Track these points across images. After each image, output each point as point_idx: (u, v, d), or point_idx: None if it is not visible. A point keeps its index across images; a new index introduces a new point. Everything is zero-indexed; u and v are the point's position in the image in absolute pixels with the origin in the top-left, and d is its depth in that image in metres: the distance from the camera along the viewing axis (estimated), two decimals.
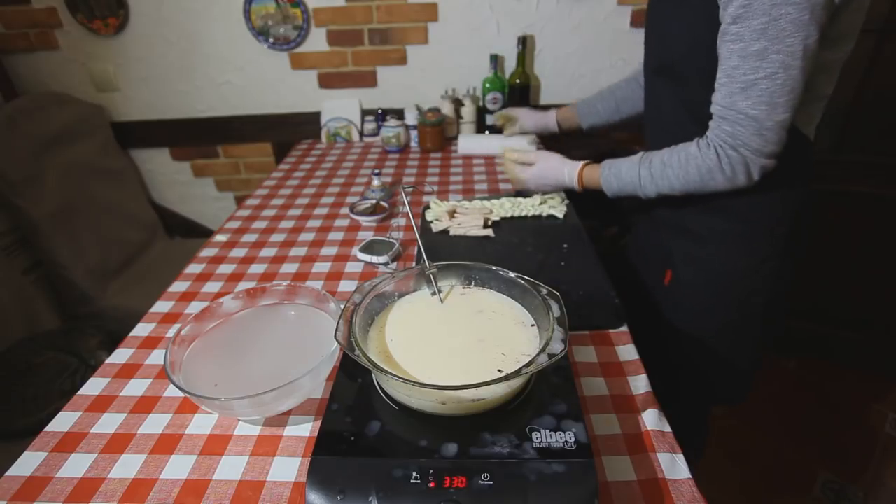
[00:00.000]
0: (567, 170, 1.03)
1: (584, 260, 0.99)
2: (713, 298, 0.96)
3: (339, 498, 0.48)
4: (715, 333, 0.99)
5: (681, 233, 0.97)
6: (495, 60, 1.73)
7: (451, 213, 1.14)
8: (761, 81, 0.69)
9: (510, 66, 1.78)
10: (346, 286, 0.98)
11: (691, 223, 0.94)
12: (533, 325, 0.63)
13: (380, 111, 1.85)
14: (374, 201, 1.26)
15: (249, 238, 1.18)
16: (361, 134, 1.88)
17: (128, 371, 0.79)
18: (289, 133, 1.93)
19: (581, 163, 1.01)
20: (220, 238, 1.19)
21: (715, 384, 1.06)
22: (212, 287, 1.00)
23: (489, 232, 1.10)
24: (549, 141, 1.60)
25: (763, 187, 0.81)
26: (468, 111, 1.78)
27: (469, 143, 1.66)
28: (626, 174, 0.90)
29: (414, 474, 0.49)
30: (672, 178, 0.83)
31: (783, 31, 0.65)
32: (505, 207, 1.18)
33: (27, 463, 0.64)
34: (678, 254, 0.98)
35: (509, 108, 1.54)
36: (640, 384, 0.71)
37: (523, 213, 1.17)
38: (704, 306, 0.97)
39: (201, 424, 0.68)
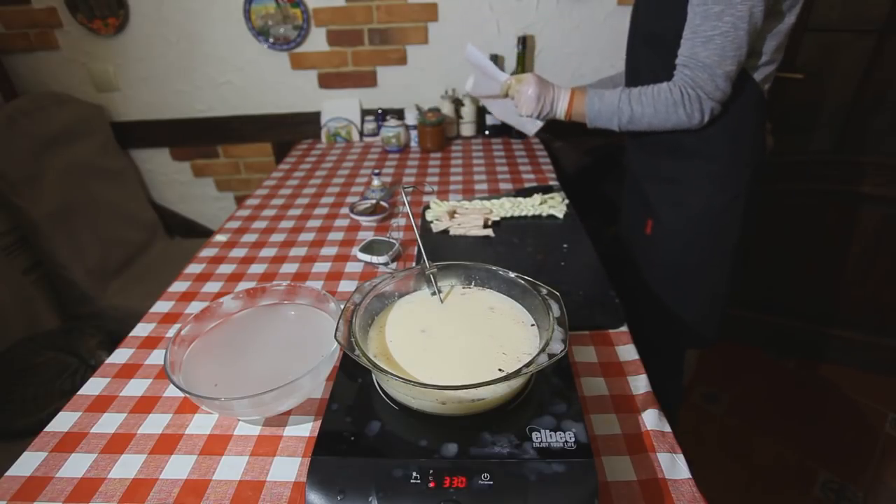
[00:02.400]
0: (560, 100, 1.08)
1: (584, 260, 0.99)
2: (692, 238, 1.09)
3: (339, 498, 0.48)
4: (692, 274, 1.12)
5: (659, 181, 1.11)
6: (495, 60, 1.73)
7: (451, 214, 1.14)
8: (716, 38, 0.86)
9: (510, 66, 1.78)
10: (346, 286, 0.98)
11: (666, 170, 1.08)
12: (533, 325, 0.63)
13: (380, 111, 1.85)
14: (374, 201, 1.26)
15: (249, 238, 1.18)
16: (361, 134, 1.88)
17: (128, 371, 0.79)
18: (289, 133, 1.93)
19: (568, 92, 1.09)
20: (220, 238, 1.19)
21: (690, 325, 1.16)
22: (212, 287, 1.00)
23: (489, 232, 1.10)
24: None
25: (724, 131, 0.99)
26: (468, 111, 1.78)
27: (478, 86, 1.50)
28: (608, 98, 1.02)
29: (414, 474, 0.49)
30: (645, 106, 0.97)
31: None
32: (505, 207, 1.18)
33: (27, 463, 0.64)
34: (658, 202, 1.12)
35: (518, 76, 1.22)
36: (640, 384, 0.71)
37: (523, 213, 1.17)
38: (683, 248, 1.10)
39: (201, 424, 0.68)
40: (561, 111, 1.08)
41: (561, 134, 1.89)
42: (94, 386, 0.76)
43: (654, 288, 1.17)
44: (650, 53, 1.04)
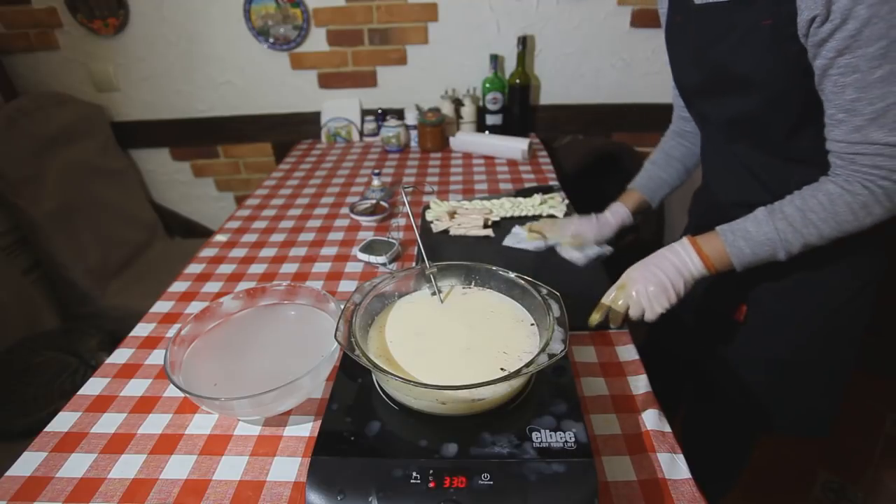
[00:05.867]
0: (681, 254, 0.77)
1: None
2: (806, 332, 0.85)
3: (339, 498, 0.48)
4: (800, 370, 0.88)
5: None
6: (495, 60, 1.73)
7: (451, 214, 1.14)
8: (894, 107, 0.61)
9: (510, 66, 1.78)
10: (346, 286, 0.98)
11: None
12: (533, 325, 0.63)
13: (380, 111, 1.85)
14: (374, 201, 1.26)
15: (249, 238, 1.18)
16: (361, 134, 1.88)
17: (128, 371, 0.79)
18: (289, 133, 1.93)
19: (686, 239, 0.78)
20: (220, 238, 1.19)
21: (788, 416, 0.94)
22: (212, 287, 1.00)
23: (489, 232, 1.10)
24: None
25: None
26: (468, 111, 1.78)
27: (464, 140, 1.68)
28: (757, 234, 0.72)
29: (414, 474, 0.49)
30: (820, 224, 0.69)
31: None
32: (505, 207, 1.18)
33: (27, 463, 0.64)
34: (758, 286, 0.86)
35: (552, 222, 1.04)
36: (640, 384, 0.72)
37: (523, 213, 1.17)
38: (793, 342, 0.86)
39: (201, 424, 0.68)
40: (698, 271, 0.76)
41: (561, 133, 1.89)
42: (94, 386, 0.76)
43: (743, 376, 0.93)
44: (744, 150, 0.81)
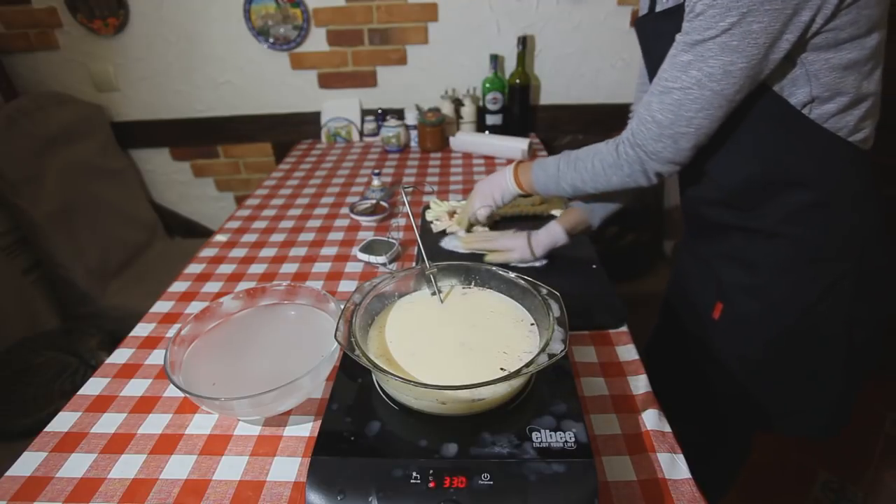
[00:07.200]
0: (506, 177, 0.98)
1: (585, 260, 0.99)
2: (774, 333, 0.85)
3: (339, 498, 0.48)
4: (779, 370, 0.88)
5: (728, 259, 0.87)
6: (495, 60, 1.73)
7: (451, 214, 1.14)
8: (675, 91, 0.70)
9: (510, 66, 1.78)
10: (346, 286, 0.98)
11: (737, 249, 0.85)
12: (533, 325, 0.63)
13: (380, 111, 1.85)
14: (374, 201, 1.26)
15: (249, 238, 1.18)
16: (361, 134, 1.88)
17: (128, 371, 0.79)
18: (289, 133, 1.93)
19: (512, 166, 0.98)
20: (220, 238, 1.19)
21: (785, 413, 0.93)
22: (212, 287, 1.00)
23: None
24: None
25: (807, 205, 0.74)
26: (468, 111, 1.78)
27: (464, 140, 1.68)
28: (549, 166, 0.91)
29: (414, 474, 0.49)
30: (582, 171, 0.85)
31: (708, 51, 0.65)
32: (505, 207, 1.17)
33: (27, 463, 0.64)
34: (730, 284, 0.88)
35: (486, 237, 1.05)
36: (640, 384, 0.72)
37: (523, 213, 1.17)
38: (762, 342, 0.86)
39: (201, 424, 0.68)
40: (512, 186, 0.98)
41: (561, 133, 1.89)
42: (94, 386, 0.76)
43: (729, 373, 0.93)
44: None
